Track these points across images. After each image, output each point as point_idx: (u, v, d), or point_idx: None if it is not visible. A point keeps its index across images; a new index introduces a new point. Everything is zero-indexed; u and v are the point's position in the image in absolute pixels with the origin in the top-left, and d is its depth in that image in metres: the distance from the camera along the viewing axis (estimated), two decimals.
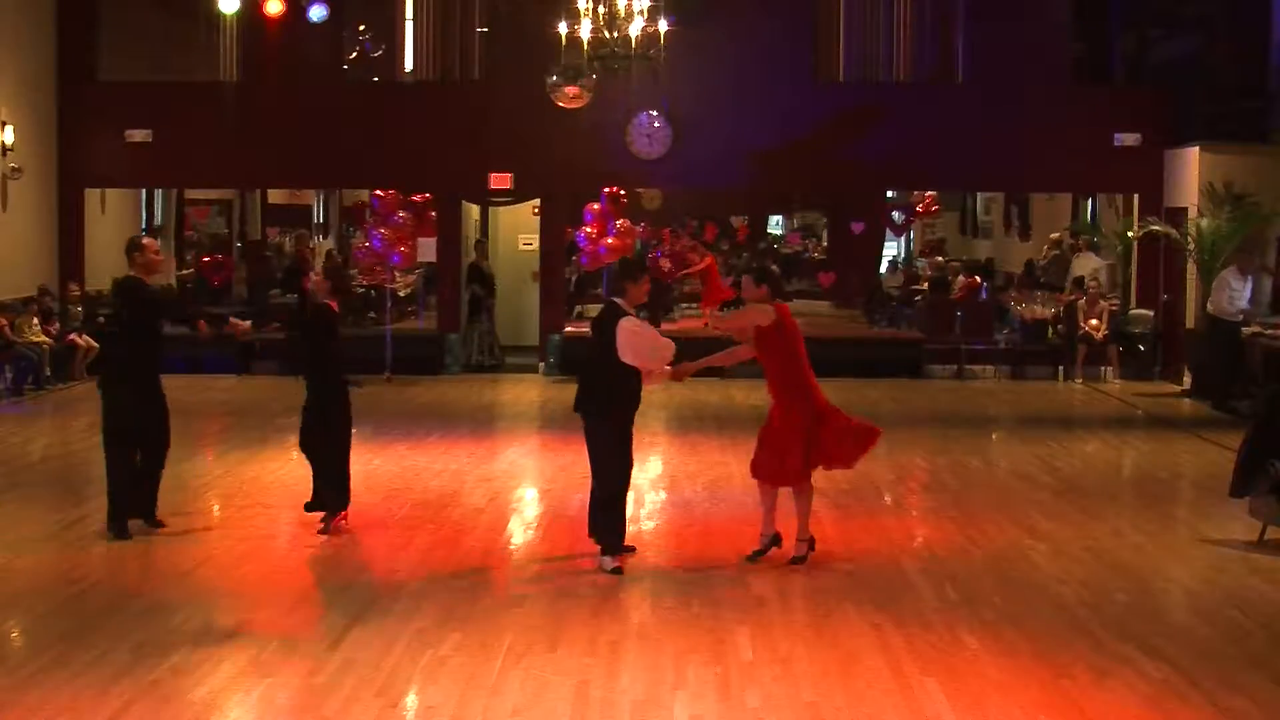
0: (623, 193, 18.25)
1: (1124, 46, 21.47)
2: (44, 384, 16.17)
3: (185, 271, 22.58)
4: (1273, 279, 16.71)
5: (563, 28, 15.03)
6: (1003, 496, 10.92)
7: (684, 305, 24.67)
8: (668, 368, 8.40)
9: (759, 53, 18.47)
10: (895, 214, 27.10)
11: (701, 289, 9.72)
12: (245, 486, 11.00)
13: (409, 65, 21.04)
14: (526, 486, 11.53)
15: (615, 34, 14.90)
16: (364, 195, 24.13)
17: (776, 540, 8.65)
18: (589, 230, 17.61)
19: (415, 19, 20.69)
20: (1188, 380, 17.09)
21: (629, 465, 8.51)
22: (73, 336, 16.97)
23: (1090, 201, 22.17)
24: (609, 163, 18.45)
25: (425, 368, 18.31)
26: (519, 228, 20.69)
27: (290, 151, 18.96)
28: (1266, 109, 17.58)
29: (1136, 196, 18.84)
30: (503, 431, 14.66)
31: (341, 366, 10.05)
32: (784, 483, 8.51)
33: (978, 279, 21.70)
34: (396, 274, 19.36)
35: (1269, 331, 15.36)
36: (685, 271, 21.54)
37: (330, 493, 9.52)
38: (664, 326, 22.09)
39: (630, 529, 9.85)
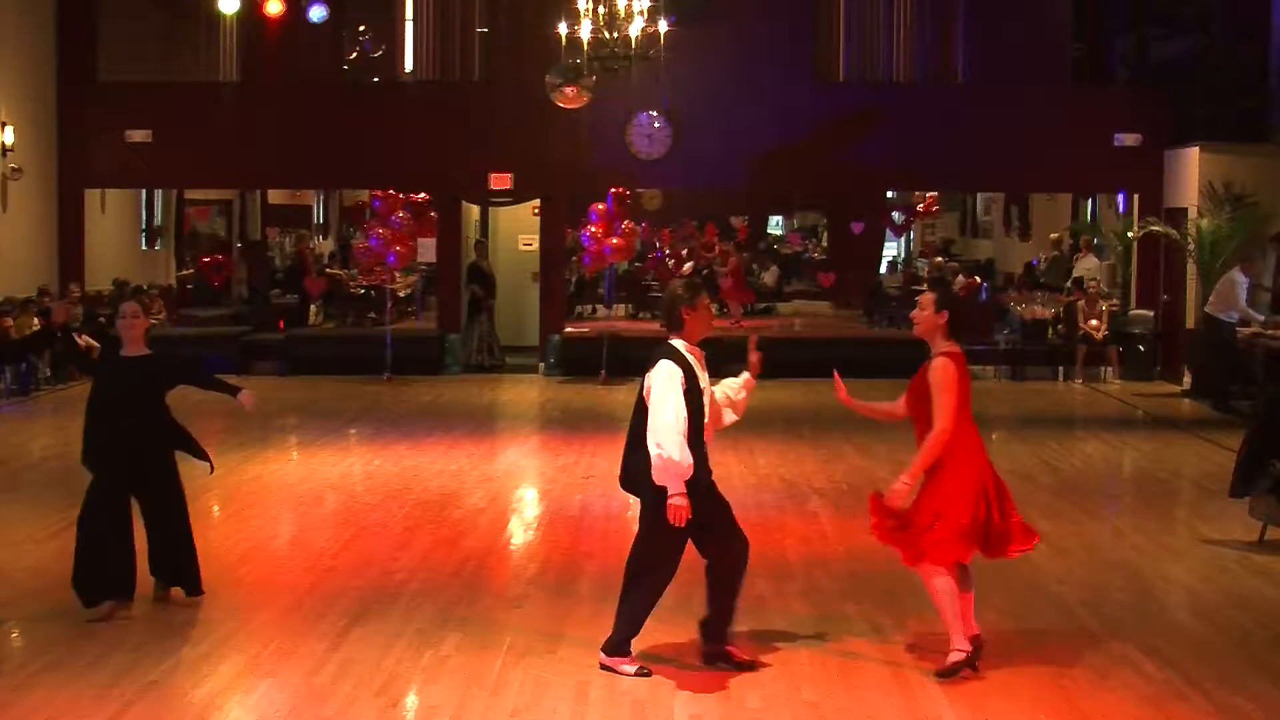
0: (627, 193, 18.27)
1: (1124, 46, 21.48)
2: (44, 384, 16.16)
3: (185, 272, 22.60)
4: (1274, 280, 16.70)
5: (563, 28, 15.04)
6: None
7: None
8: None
9: (759, 53, 18.48)
10: (895, 214, 27.13)
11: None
12: (245, 486, 11.00)
13: (409, 65, 21.06)
14: (526, 486, 11.53)
15: (615, 34, 14.91)
16: (364, 195, 24.19)
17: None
18: (594, 230, 17.61)
19: (415, 19, 20.71)
20: (1188, 380, 17.09)
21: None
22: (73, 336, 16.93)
23: (1090, 202, 22.18)
24: (609, 163, 18.45)
25: (425, 368, 18.31)
26: (519, 228, 20.70)
27: (290, 151, 18.96)
28: (1266, 109, 17.58)
29: (1136, 196, 18.85)
30: (503, 431, 14.66)
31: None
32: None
33: (977, 279, 21.72)
34: (396, 274, 19.37)
35: (1269, 332, 15.36)
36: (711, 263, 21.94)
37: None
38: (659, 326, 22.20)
39: (630, 529, 9.86)
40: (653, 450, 6.11)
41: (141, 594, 7.77)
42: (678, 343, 6.37)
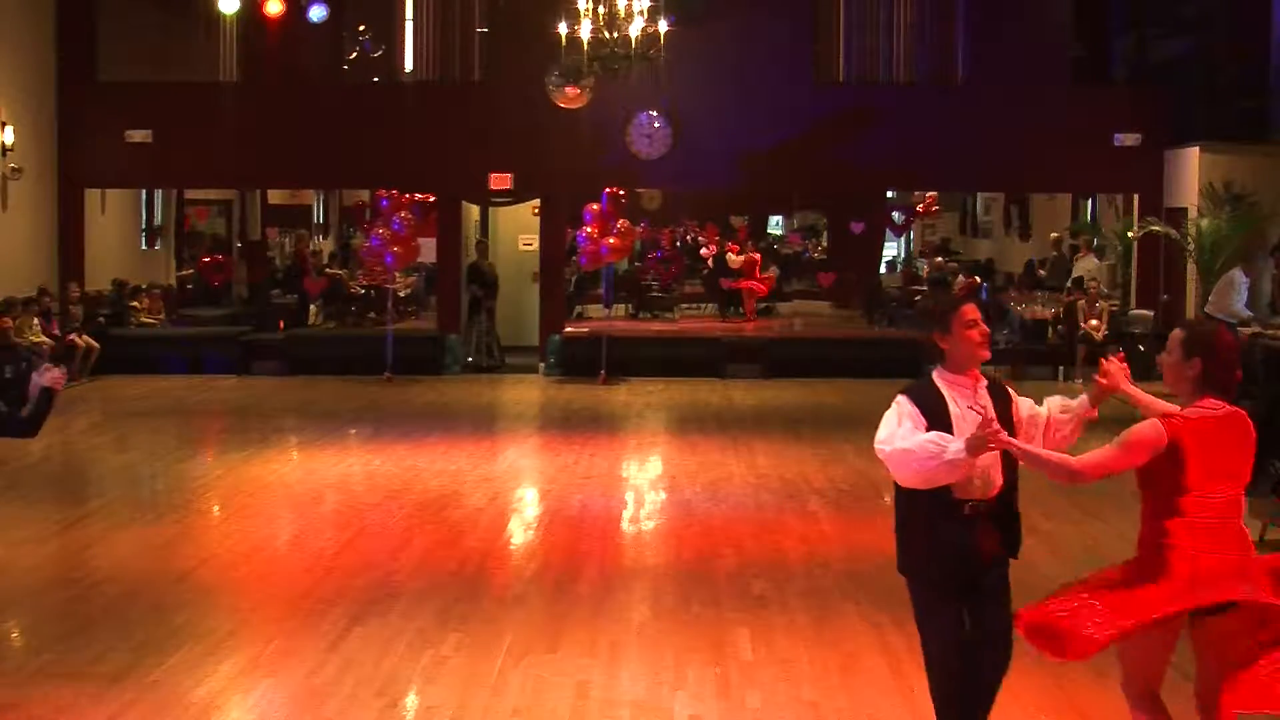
0: (623, 193, 18.26)
1: (1124, 46, 21.48)
2: None
3: (185, 272, 22.61)
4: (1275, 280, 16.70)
5: (563, 28, 15.03)
6: None
7: (684, 305, 24.75)
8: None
9: (759, 53, 18.47)
10: (895, 214, 27.15)
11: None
12: (245, 486, 11.00)
13: (409, 65, 21.06)
14: (526, 486, 11.53)
15: (615, 34, 14.91)
16: (364, 195, 24.19)
17: None
18: (590, 230, 17.61)
19: (415, 19, 20.71)
20: None
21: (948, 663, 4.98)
22: (72, 337, 16.97)
23: (1090, 201, 22.18)
24: (609, 163, 18.45)
25: (425, 368, 18.31)
26: (519, 228, 20.70)
27: (290, 151, 18.95)
28: (1266, 109, 17.58)
29: (1136, 196, 18.85)
30: (503, 431, 14.66)
31: None
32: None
33: (977, 279, 21.72)
34: (396, 274, 19.37)
35: (1269, 331, 15.35)
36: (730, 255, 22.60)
37: None
38: (658, 326, 22.27)
39: (630, 529, 9.90)
40: (884, 453, 4.77)
41: (142, 595, 7.78)
42: (935, 375, 4.95)
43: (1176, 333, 4.78)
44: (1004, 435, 4.57)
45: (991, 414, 4.65)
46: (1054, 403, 5.05)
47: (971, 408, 4.71)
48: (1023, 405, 5.02)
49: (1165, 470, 4.67)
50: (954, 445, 4.59)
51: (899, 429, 4.74)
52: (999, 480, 4.82)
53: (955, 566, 4.81)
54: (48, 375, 6.24)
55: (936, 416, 4.77)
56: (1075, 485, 4.79)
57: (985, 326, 4.97)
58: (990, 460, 4.76)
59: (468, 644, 6.89)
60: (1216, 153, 17.24)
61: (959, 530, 4.78)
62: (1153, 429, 4.63)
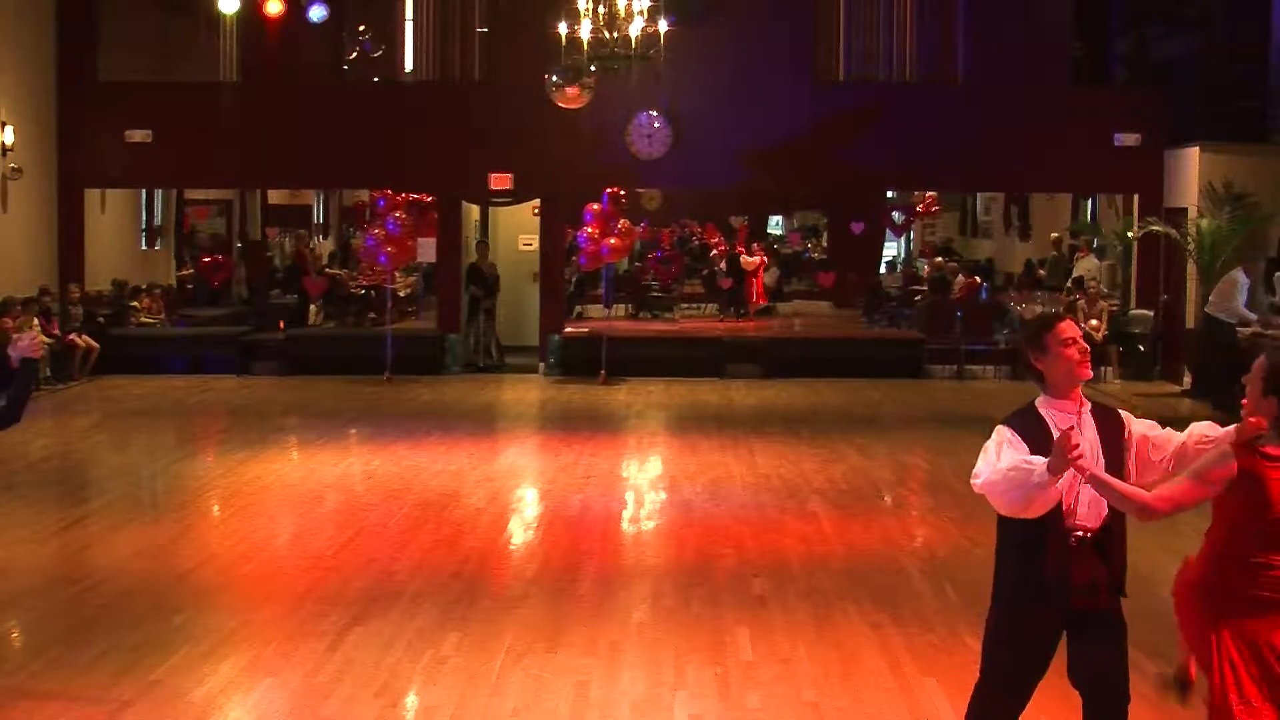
0: (623, 193, 18.26)
1: (1124, 46, 21.49)
2: (43, 384, 16.15)
3: (185, 272, 22.63)
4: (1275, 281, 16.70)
5: (563, 28, 15.04)
6: None
7: (684, 305, 24.78)
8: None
9: (759, 53, 18.47)
10: (895, 214, 27.17)
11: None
12: (245, 487, 10.99)
13: (409, 65, 21.06)
14: (526, 486, 11.53)
15: (615, 34, 14.91)
16: (364, 195, 24.21)
17: None
18: (590, 230, 17.62)
19: (415, 19, 20.72)
20: (1188, 380, 17.09)
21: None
22: (72, 337, 16.97)
23: (1090, 201, 22.19)
24: (609, 163, 18.44)
25: (425, 368, 18.30)
26: (519, 228, 20.69)
27: (290, 151, 18.95)
28: (1266, 109, 17.58)
29: (1136, 196, 18.85)
30: (503, 431, 14.66)
31: None
32: None
33: (977, 279, 21.72)
34: (395, 274, 19.36)
35: (1269, 332, 15.35)
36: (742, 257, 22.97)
37: None
38: (658, 326, 22.27)
39: (630, 529, 9.90)
40: (977, 486, 4.57)
41: (142, 595, 7.78)
42: (1038, 403, 4.63)
43: (1261, 361, 4.48)
44: (1082, 453, 4.25)
45: (1076, 430, 4.33)
46: (1198, 429, 4.69)
47: (1068, 429, 4.31)
48: (1138, 427, 4.68)
49: (1238, 506, 4.38)
50: (1040, 465, 4.31)
51: (997, 460, 4.47)
52: (1104, 508, 4.55)
53: (1056, 596, 4.61)
54: (23, 344, 6.06)
55: (1039, 444, 4.43)
56: (1146, 521, 4.45)
57: (1085, 344, 4.59)
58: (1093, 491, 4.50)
59: (468, 644, 6.89)
60: (1216, 153, 17.24)
61: (1065, 559, 4.56)
62: (1222, 461, 4.37)
